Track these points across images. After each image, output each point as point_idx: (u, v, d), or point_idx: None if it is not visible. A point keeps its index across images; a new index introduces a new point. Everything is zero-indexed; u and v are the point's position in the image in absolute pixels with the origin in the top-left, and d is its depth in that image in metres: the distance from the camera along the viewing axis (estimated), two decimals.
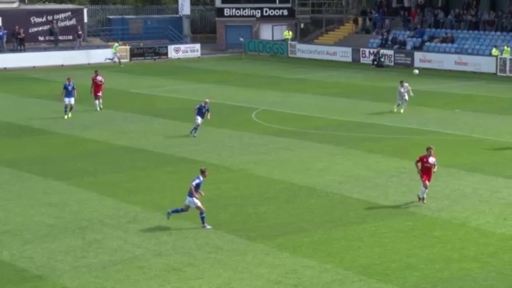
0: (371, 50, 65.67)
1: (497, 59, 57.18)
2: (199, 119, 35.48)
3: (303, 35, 77.42)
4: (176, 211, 23.01)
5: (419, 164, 24.56)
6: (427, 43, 64.95)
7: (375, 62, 64.00)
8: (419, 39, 65.80)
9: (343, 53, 68.11)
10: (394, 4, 72.80)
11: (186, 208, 22.87)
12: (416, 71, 36.18)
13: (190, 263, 20.00)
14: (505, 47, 57.66)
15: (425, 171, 24.51)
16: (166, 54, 72.13)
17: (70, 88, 40.71)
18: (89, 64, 65.59)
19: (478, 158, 31.06)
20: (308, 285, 18.59)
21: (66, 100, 40.78)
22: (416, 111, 41.77)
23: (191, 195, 22.62)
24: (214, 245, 21.39)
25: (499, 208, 24.39)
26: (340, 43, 71.43)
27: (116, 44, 68.17)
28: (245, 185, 27.75)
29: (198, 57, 73.03)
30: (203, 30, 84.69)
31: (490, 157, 31.31)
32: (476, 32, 63.82)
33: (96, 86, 43.02)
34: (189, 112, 43.11)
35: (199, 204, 22.63)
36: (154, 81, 56.82)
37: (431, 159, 24.55)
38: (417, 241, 21.49)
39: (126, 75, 60.47)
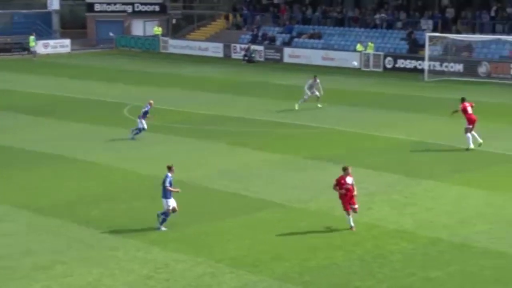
0: (242, 46, 66.49)
1: (361, 55, 59.09)
2: (144, 123, 33.92)
3: (175, 31, 77.47)
4: (164, 220, 22.17)
5: (337, 188, 22.16)
6: (296, 39, 66.32)
7: (246, 58, 64.83)
8: (288, 35, 67.12)
9: (215, 49, 68.64)
10: (264, 1, 73.91)
11: (168, 212, 22.11)
12: (355, 63, 36.00)
13: (60, 261, 19.87)
14: (369, 43, 59.56)
15: (345, 193, 22.08)
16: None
17: None
18: None
19: (343, 150, 32.07)
20: (179, 279, 18.84)
21: None
22: (283, 105, 42.70)
23: (166, 195, 21.95)
24: (85, 242, 21.31)
25: (362, 198, 25.20)
26: (211, 38, 71.92)
27: (32, 36, 67.11)
28: (116, 181, 27.69)
29: (68, 52, 71.86)
30: (74, 25, 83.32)
31: (354, 149, 32.38)
32: (341, 28, 65.68)
33: None
34: (53, 107, 42.68)
35: (174, 204, 22.08)
36: (19, 77, 55.48)
37: (349, 179, 22.25)
38: (284, 232, 22.08)
39: None
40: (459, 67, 53.93)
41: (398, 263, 19.63)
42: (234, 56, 66.76)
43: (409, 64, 56.91)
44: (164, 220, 22.19)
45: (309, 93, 41.39)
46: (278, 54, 64.33)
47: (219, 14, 76.36)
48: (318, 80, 41.78)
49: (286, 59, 63.25)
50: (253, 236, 21.78)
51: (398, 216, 23.40)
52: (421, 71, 54.21)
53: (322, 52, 61.89)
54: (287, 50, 64.02)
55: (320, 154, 31.11)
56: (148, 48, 73.19)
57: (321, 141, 33.91)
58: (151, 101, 34.89)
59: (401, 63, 57.32)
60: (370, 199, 25.23)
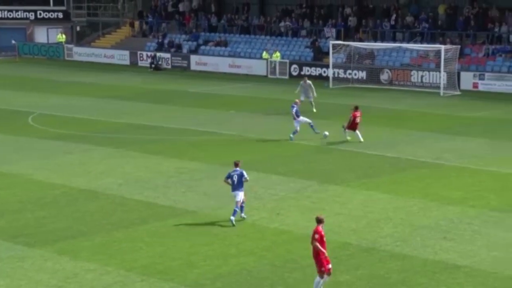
0: (149, 53, 66.22)
1: (267, 62, 59.67)
2: (300, 121, 35.06)
3: (80, 38, 76.52)
4: (235, 212, 23.35)
5: (320, 241, 18.28)
6: (202, 47, 66.46)
7: (153, 65, 64.57)
8: (195, 43, 67.19)
9: (121, 56, 68.13)
10: (169, 9, 73.77)
11: (239, 204, 23.49)
12: (326, 133, 35.49)
13: None
14: (276, 52, 60.05)
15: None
16: None
17: None
18: None
19: (252, 156, 32.25)
20: None
21: None
22: (193, 112, 42.72)
23: (241, 187, 23.42)
24: None
25: (272, 204, 25.63)
26: (117, 46, 71.34)
27: None
28: (23, 191, 27.19)
29: None
30: None
31: (263, 155, 32.68)
32: (247, 36, 66.16)
33: None
34: None
35: (243, 197, 23.65)
36: None
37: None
38: (196, 239, 22.16)
39: None
40: (362, 74, 55.12)
41: (309, 268, 19.90)
42: (140, 63, 66.40)
43: (314, 71, 57.76)
44: (242, 208, 23.71)
45: (302, 97, 41.54)
46: (185, 61, 64.31)
47: (124, 21, 75.81)
48: (309, 81, 42.13)
49: (193, 67, 63.31)
50: (165, 243, 21.75)
51: (307, 221, 23.68)
52: (326, 78, 55.16)
53: (229, 60, 62.22)
54: (194, 58, 64.06)
55: (232, 162, 31.15)
56: (52, 55, 72.05)
57: (232, 148, 34.05)
58: (297, 100, 36.34)
59: (306, 70, 58.07)
60: (279, 205, 25.55)
